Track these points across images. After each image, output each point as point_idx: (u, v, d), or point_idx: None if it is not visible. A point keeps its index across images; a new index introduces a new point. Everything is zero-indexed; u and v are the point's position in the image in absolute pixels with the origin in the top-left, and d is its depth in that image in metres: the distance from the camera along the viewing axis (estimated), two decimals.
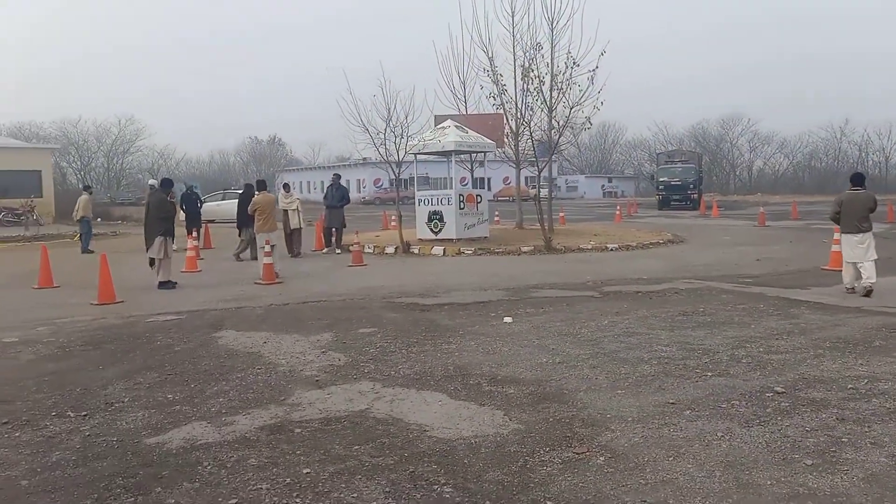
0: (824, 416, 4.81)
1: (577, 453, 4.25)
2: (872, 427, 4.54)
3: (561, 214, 25.58)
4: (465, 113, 21.62)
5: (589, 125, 19.01)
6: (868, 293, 9.73)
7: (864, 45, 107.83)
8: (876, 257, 10.01)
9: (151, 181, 23.78)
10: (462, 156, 20.33)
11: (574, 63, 17.52)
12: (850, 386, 5.46)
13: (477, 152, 20.48)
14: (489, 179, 24.38)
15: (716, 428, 4.62)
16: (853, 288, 10.03)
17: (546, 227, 17.82)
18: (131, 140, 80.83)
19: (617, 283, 11.58)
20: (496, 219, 24.85)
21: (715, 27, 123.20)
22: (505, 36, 20.01)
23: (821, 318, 8.28)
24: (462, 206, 18.13)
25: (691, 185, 40.04)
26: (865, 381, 5.59)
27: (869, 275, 9.82)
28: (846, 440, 4.33)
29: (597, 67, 17.22)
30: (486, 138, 19.90)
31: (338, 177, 19.18)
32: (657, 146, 76.49)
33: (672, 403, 5.15)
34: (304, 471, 4.06)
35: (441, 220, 18.18)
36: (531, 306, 9.52)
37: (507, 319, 8.56)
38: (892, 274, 11.94)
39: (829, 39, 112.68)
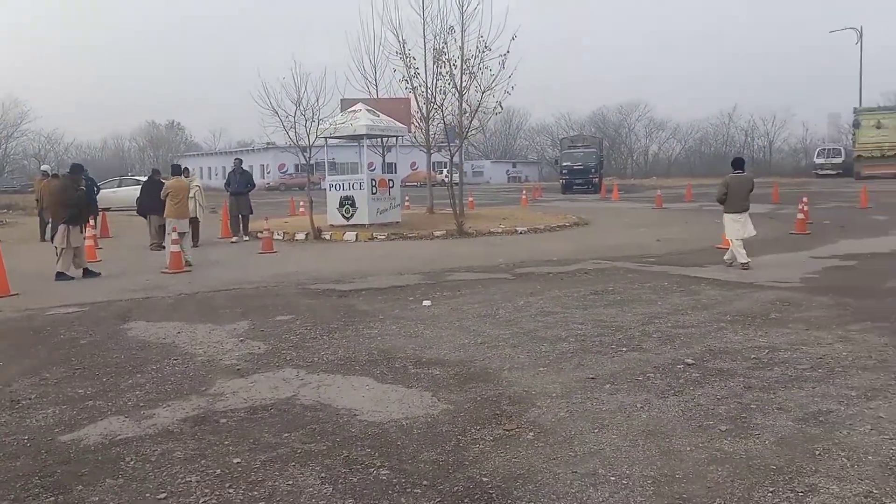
0: (732, 384, 5.12)
1: (507, 430, 4.35)
2: (777, 393, 4.88)
3: (470, 199, 25.87)
4: (375, 97, 21.44)
5: (500, 110, 19.23)
6: (731, 264, 10.88)
7: (751, 37, 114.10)
8: (754, 233, 11.08)
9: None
10: (372, 140, 20.19)
11: (486, 47, 17.66)
12: (753, 356, 5.84)
13: (388, 136, 20.39)
14: (395, 164, 24.27)
15: (635, 400, 4.84)
16: (746, 263, 10.71)
17: (458, 212, 17.98)
18: (15, 124, 75.36)
19: (529, 264, 11.85)
20: (406, 204, 24.83)
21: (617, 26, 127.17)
22: (415, 19, 19.98)
23: (720, 293, 8.78)
24: (374, 191, 18.03)
25: (593, 170, 41.30)
26: (766, 350, 5.99)
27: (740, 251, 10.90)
28: (755, 406, 4.64)
29: (508, 52, 17.42)
30: (397, 122, 19.83)
31: (239, 161, 18.53)
32: (560, 132, 78.50)
33: (592, 378, 5.35)
34: (235, 461, 3.97)
35: (353, 205, 18.01)
36: (448, 289, 9.60)
37: (426, 303, 8.62)
38: (779, 251, 12.82)
39: (718, 34, 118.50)
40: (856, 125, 44.21)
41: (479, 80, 18.12)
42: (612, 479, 3.64)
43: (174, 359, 6.22)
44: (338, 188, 18.36)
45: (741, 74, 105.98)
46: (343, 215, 18.12)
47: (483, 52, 17.94)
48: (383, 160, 22.93)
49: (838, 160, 48.22)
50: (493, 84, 17.86)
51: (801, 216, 16.12)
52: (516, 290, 9.39)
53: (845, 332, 6.60)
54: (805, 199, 17.58)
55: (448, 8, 19.20)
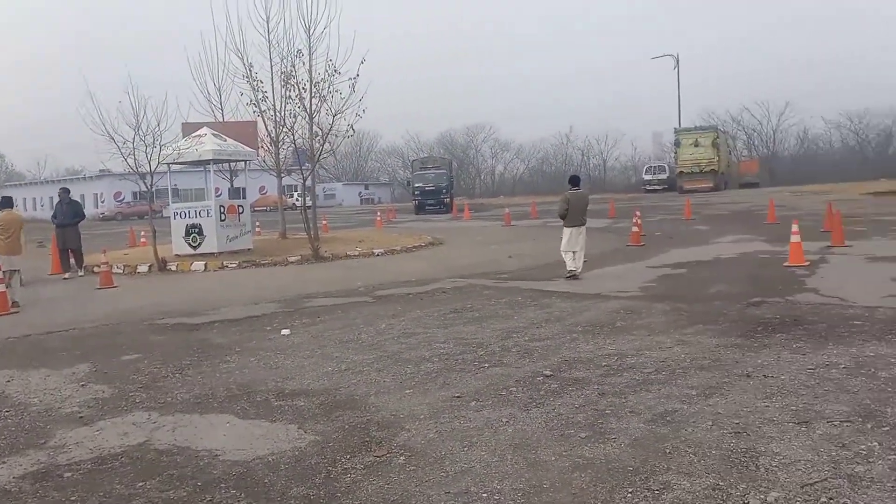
0: (588, 392, 5.39)
1: (378, 456, 4.31)
2: (628, 398, 5.19)
3: (324, 222, 25.54)
4: (221, 121, 20.70)
5: (352, 132, 19.20)
6: (578, 276, 11.64)
7: (582, 66, 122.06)
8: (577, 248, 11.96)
9: None
10: (219, 165, 19.44)
11: (335, 71, 17.59)
12: (604, 363, 6.19)
13: (236, 161, 19.72)
14: (244, 189, 23.54)
15: (500, 415, 4.96)
16: (574, 272, 11.66)
17: (313, 236, 17.69)
18: None
19: (388, 286, 11.87)
20: (257, 230, 24.11)
21: (452, 48, 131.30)
22: (261, 42, 19.57)
23: (570, 305, 9.24)
24: (223, 218, 17.33)
25: (444, 190, 42.22)
26: (616, 357, 6.37)
27: (579, 263, 11.77)
28: (609, 412, 4.91)
29: (357, 75, 17.46)
30: (245, 146, 19.25)
31: (66, 191, 16.99)
32: (410, 153, 79.72)
33: (458, 397, 5.43)
34: None
35: (200, 233, 17.22)
36: (307, 316, 9.40)
37: (285, 332, 8.38)
38: (619, 263, 13.71)
39: (557, 61, 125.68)
40: (676, 144, 48.43)
41: (329, 104, 18.03)
42: (485, 495, 3.70)
43: (6, 410, 5.62)
44: (183, 216, 17.49)
45: (576, 97, 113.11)
46: (190, 244, 17.27)
47: (332, 75, 17.88)
48: (231, 185, 22.14)
49: (664, 176, 52.54)
50: (344, 107, 17.84)
51: (635, 229, 17.36)
52: (377, 312, 9.37)
53: (682, 335, 7.16)
54: (638, 213, 18.96)
55: (294, 31, 18.86)
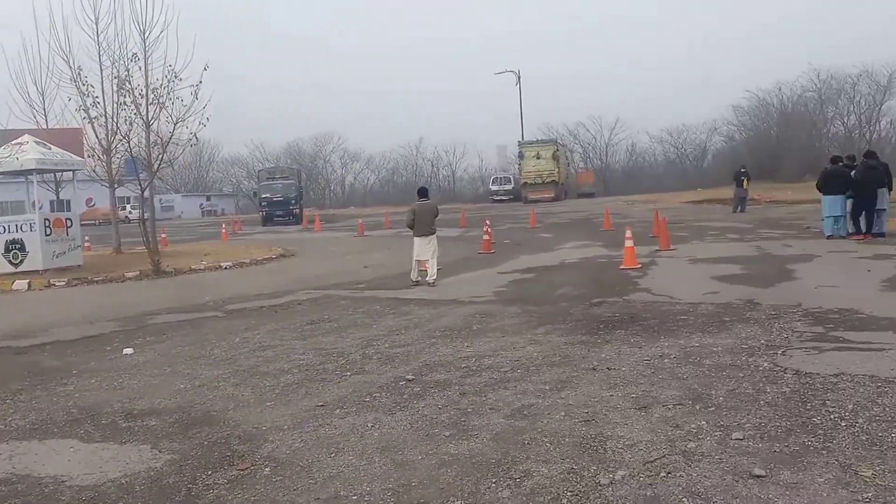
0: (449, 393, 5.55)
1: (241, 470, 4.20)
2: (487, 396, 5.41)
3: (163, 236, 24.18)
4: (45, 127, 19.08)
5: (195, 141, 18.38)
6: (433, 284, 11.94)
7: (432, 79, 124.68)
8: (427, 257, 12.33)
9: None
10: (42, 175, 17.88)
11: (175, 76, 16.79)
12: (463, 365, 6.39)
13: (63, 171, 18.26)
14: (69, 202, 21.84)
15: (365, 420, 5.00)
16: (418, 281, 12.09)
17: (153, 249, 16.72)
18: None
19: (239, 300, 11.49)
20: (87, 245, 22.40)
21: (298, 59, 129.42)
22: (89, 44, 18.28)
23: (428, 312, 9.43)
24: (49, 233, 15.96)
25: (293, 201, 41.40)
26: (474, 359, 6.60)
27: (433, 271, 12.13)
28: (471, 410, 5.09)
29: (200, 82, 16.77)
30: (72, 155, 17.88)
31: None
32: (255, 163, 77.29)
33: (321, 406, 5.39)
34: None
35: (22, 249, 15.75)
36: (152, 334, 8.91)
37: (128, 351, 7.89)
38: (472, 269, 14.16)
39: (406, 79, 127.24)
40: (520, 156, 50.74)
41: (169, 111, 17.19)
42: (355, 497, 3.73)
43: None
44: (2, 231, 15.91)
45: (425, 107, 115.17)
46: (10, 261, 15.74)
47: (172, 81, 17.06)
48: (57, 197, 20.46)
49: (509, 187, 54.77)
50: (186, 115, 17.08)
51: (486, 237, 18.00)
52: (229, 327, 9.06)
53: (534, 335, 7.55)
54: (488, 222, 19.68)
55: (128, 33, 17.77)
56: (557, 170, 49.31)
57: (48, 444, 4.83)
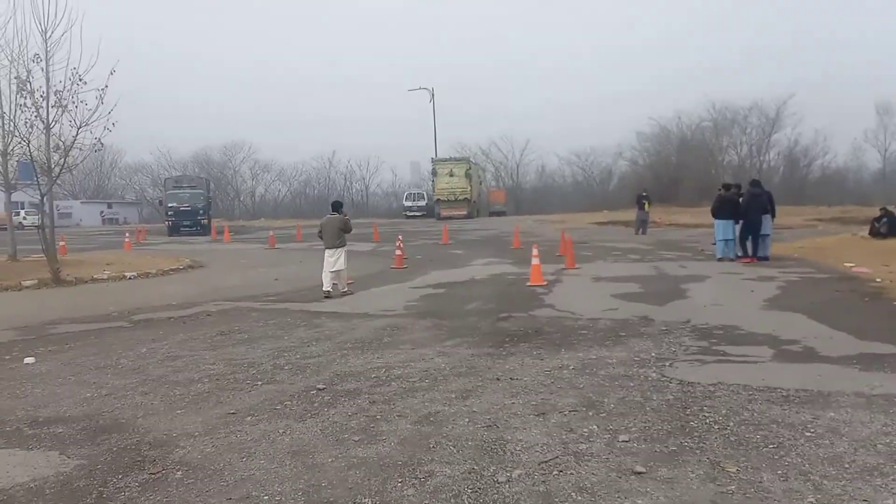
0: (359, 401, 5.76)
1: (153, 473, 4.27)
2: (396, 404, 5.65)
3: (61, 244, 23.14)
4: None
5: (100, 147, 17.80)
6: (344, 295, 12.30)
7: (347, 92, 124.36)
8: (344, 267, 12.68)
9: None
10: None
11: (80, 79, 16.25)
12: (373, 375, 6.61)
13: None
14: None
15: (277, 427, 5.14)
16: (329, 292, 12.34)
17: (52, 257, 16.06)
18: None
19: (145, 310, 11.27)
20: None
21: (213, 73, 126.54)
22: None
23: (340, 324, 9.58)
24: None
25: (201, 211, 40.30)
26: (384, 370, 6.83)
27: (343, 283, 12.58)
28: (380, 417, 5.32)
29: (106, 87, 16.30)
30: None
31: None
32: (161, 171, 74.79)
33: (233, 413, 5.49)
34: None
35: None
36: (54, 344, 8.67)
37: (29, 360, 7.68)
38: (384, 284, 14.36)
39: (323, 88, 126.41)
40: (434, 173, 51.30)
41: (73, 115, 16.59)
42: (266, 497, 3.89)
43: None
44: None
45: (338, 122, 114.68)
46: None
47: (75, 83, 16.49)
48: None
49: (423, 203, 55.25)
50: (91, 119, 16.54)
51: (398, 252, 18.25)
52: (137, 337, 8.92)
53: (443, 347, 7.85)
54: (400, 238, 19.93)
55: (28, 31, 17.08)
56: (470, 187, 50.15)
57: None
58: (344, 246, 12.77)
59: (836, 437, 4.60)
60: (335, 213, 13.04)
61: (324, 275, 12.61)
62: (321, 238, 12.85)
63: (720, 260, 16.59)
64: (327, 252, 12.65)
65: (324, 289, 12.43)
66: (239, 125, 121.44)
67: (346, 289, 12.53)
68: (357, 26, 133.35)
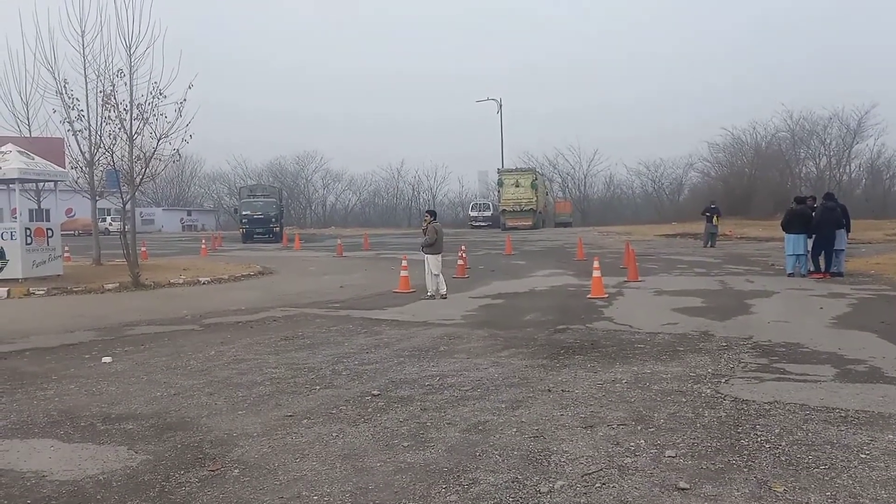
0: (412, 408, 5.91)
1: (212, 470, 4.52)
2: (447, 412, 5.78)
3: (143, 249, 24.34)
4: (28, 136, 19.29)
5: (178, 157, 18.71)
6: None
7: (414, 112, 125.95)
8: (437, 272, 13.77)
9: None
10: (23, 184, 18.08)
11: (159, 93, 17.13)
12: (427, 383, 6.76)
13: (45, 181, 18.46)
14: (49, 211, 22.00)
15: (330, 430, 5.34)
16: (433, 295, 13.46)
17: (132, 262, 16.93)
18: None
19: (216, 315, 11.77)
20: (66, 255, 22.51)
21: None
22: (74, 57, 18.60)
23: (399, 332, 9.79)
24: (30, 241, 16.14)
25: (273, 219, 41.60)
26: (437, 378, 6.97)
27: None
28: (430, 424, 5.45)
29: (185, 100, 17.13)
30: (55, 165, 18.09)
31: None
32: (237, 180, 77.42)
33: (290, 416, 5.73)
34: None
35: (2, 257, 15.92)
36: (130, 344, 9.18)
37: (107, 359, 8.16)
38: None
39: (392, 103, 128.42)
40: (500, 184, 51.40)
41: (153, 127, 17.49)
42: (315, 498, 4.07)
43: None
44: None
45: (407, 133, 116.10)
46: None
47: (156, 97, 17.38)
48: (38, 206, 20.63)
49: (488, 213, 55.36)
50: (171, 131, 17.40)
51: (460, 262, 18.42)
52: (206, 340, 9.35)
53: (497, 358, 7.94)
54: (463, 248, 20.12)
55: (114, 47, 18.08)
56: (535, 198, 50.02)
57: (29, 442, 5.12)
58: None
59: (892, 459, 4.46)
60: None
61: (440, 279, 13.79)
62: (431, 244, 14.09)
63: (790, 275, 16.08)
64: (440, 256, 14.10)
65: (444, 292, 13.66)
66: (312, 138, 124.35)
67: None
68: (421, 31, 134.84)
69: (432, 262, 13.90)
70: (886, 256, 20.29)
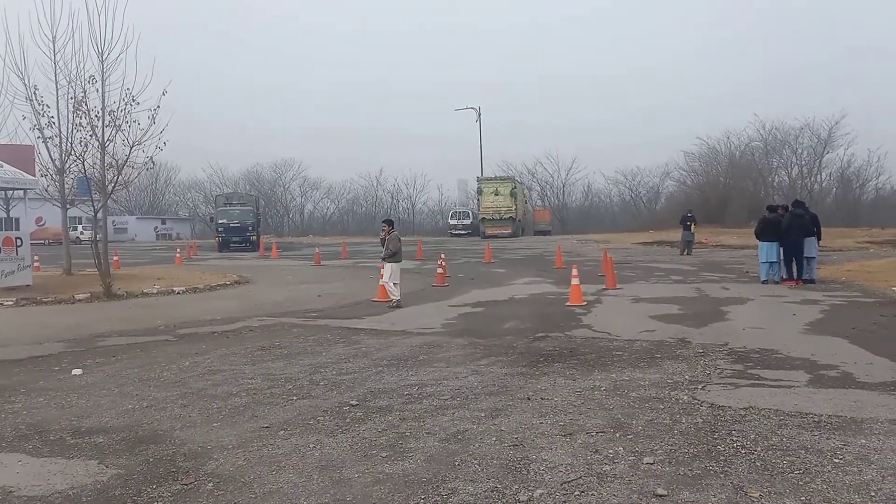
0: (390, 418, 5.86)
1: (185, 484, 4.43)
2: (426, 422, 5.73)
3: (115, 258, 23.99)
4: None
5: (152, 165, 18.47)
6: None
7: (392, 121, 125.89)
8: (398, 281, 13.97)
9: None
10: None
11: (132, 100, 16.91)
12: (406, 393, 6.71)
13: (15, 189, 18.14)
14: (18, 220, 21.58)
15: (308, 441, 5.27)
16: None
17: (104, 272, 16.67)
18: None
19: (191, 325, 11.61)
20: (36, 265, 22.11)
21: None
22: (45, 62, 18.30)
23: (377, 341, 9.73)
24: None
25: (250, 228, 41.28)
26: (416, 387, 6.92)
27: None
28: (409, 434, 5.40)
29: (158, 107, 16.93)
30: (25, 173, 17.79)
31: None
32: (213, 188, 76.73)
33: (266, 427, 5.65)
34: None
35: None
36: (101, 356, 9.01)
37: (77, 371, 7.99)
38: (424, 302, 14.49)
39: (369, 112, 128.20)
40: (479, 192, 51.55)
41: (126, 134, 17.25)
42: None
43: None
44: None
45: (384, 140, 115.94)
46: None
47: (129, 104, 17.14)
48: (7, 215, 20.24)
49: (468, 221, 55.49)
50: (144, 139, 17.18)
51: (440, 270, 18.39)
52: (181, 351, 9.21)
53: (477, 366, 7.91)
54: (443, 256, 20.10)
55: (86, 53, 17.77)
56: (515, 206, 50.22)
57: None
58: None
59: (864, 464, 4.51)
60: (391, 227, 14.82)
61: (397, 288, 14.03)
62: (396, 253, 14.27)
63: (764, 282, 16.28)
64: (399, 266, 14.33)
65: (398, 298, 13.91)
66: (289, 145, 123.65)
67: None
68: (401, 43, 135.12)
69: (396, 271, 14.23)
70: (857, 264, 20.63)
